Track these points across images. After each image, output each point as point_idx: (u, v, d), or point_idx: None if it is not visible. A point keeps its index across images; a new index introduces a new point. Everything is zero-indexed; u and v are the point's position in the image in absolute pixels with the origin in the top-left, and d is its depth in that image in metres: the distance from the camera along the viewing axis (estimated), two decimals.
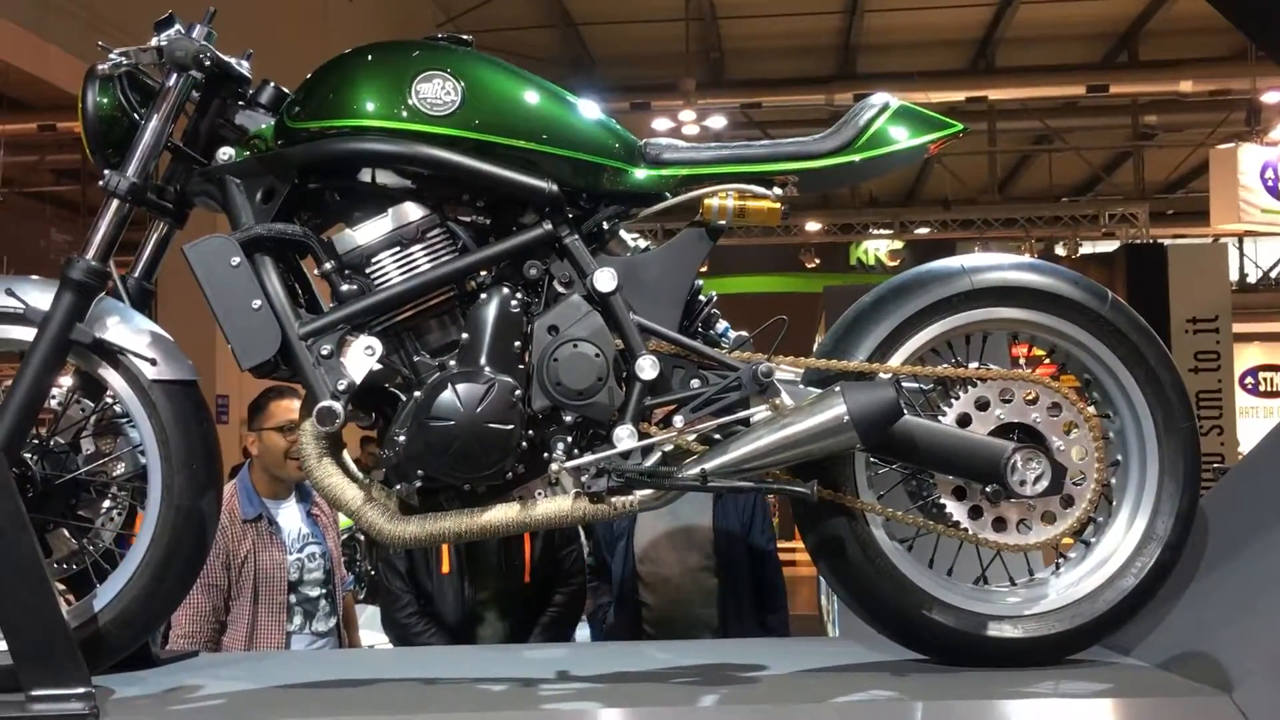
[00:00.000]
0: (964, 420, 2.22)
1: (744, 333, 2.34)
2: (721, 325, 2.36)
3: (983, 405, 2.22)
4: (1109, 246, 15.85)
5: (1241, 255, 19.31)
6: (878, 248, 18.28)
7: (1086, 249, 16.55)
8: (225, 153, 2.23)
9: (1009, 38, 14.64)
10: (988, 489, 2.17)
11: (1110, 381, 2.27)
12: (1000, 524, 2.21)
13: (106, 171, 2.18)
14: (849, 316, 2.31)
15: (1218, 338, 12.78)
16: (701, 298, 2.35)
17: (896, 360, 2.23)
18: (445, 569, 3.63)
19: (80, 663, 2.03)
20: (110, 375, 2.20)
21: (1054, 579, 2.29)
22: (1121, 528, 2.27)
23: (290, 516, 3.79)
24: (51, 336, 2.12)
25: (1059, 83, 14.39)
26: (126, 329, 2.20)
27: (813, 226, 16.61)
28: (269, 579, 3.61)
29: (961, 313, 2.25)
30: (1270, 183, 11.80)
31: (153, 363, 2.19)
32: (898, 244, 17.74)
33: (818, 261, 17.29)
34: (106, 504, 2.30)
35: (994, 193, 16.64)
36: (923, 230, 16.60)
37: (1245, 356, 17.15)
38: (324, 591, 3.75)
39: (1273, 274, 19.11)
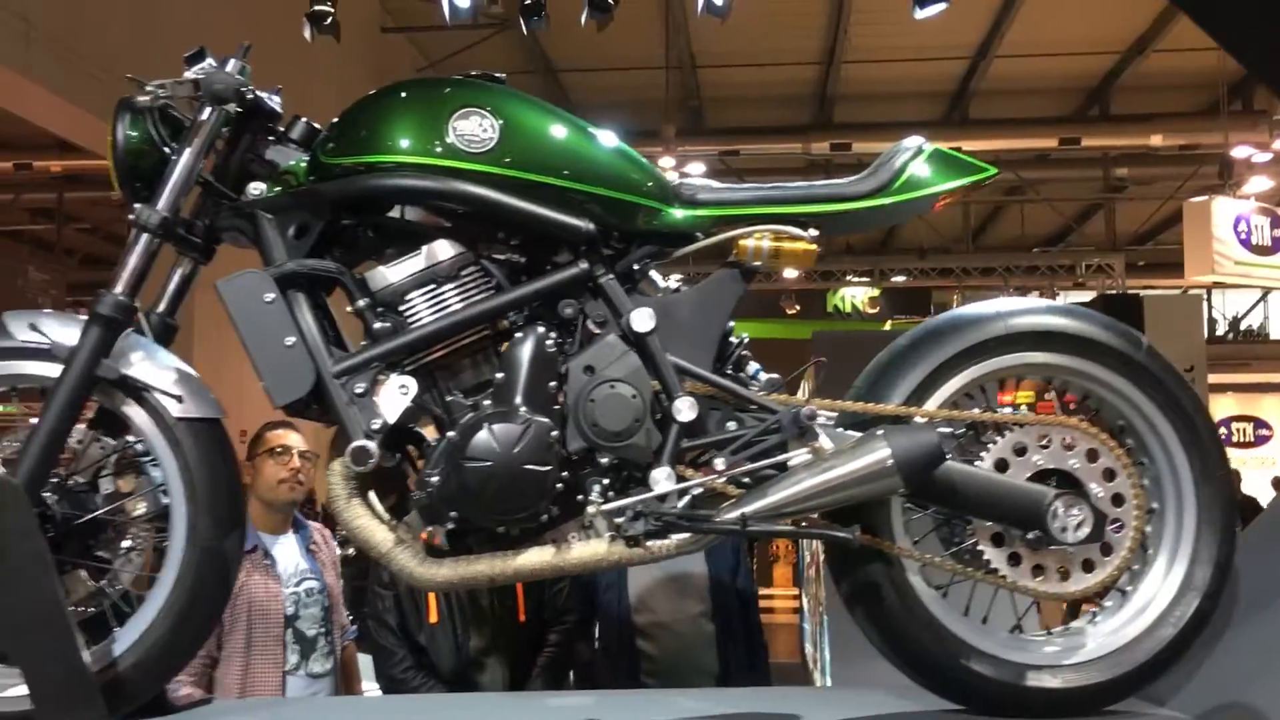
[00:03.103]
0: (1001, 465, 2.20)
1: (775, 375, 2.32)
2: (752, 367, 2.34)
3: (1020, 450, 2.20)
4: (1082, 296, 16.01)
5: (1209, 307, 19.55)
6: (854, 295, 18.40)
7: (1060, 300, 16.71)
8: (256, 188, 2.20)
9: (983, 90, 14.84)
10: (1029, 535, 2.15)
11: (1145, 428, 2.26)
12: (1039, 571, 2.19)
13: (136, 205, 2.14)
14: (883, 360, 2.29)
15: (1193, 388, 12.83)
16: (733, 339, 2.33)
17: (932, 404, 2.22)
18: (434, 619, 3.55)
19: (101, 709, 1.98)
20: (134, 412, 2.15)
21: (1091, 628, 2.26)
22: (1159, 576, 2.24)
23: (287, 550, 3.71)
24: (78, 372, 2.07)
25: (1032, 135, 14.60)
26: (152, 365, 2.16)
27: (790, 273, 16.69)
28: (263, 611, 3.52)
29: (997, 357, 2.24)
30: (1243, 235, 11.95)
31: (178, 400, 2.14)
32: (875, 291, 17.86)
33: (798, 308, 17.37)
34: (126, 544, 2.24)
35: (968, 242, 16.79)
36: (900, 278, 16.71)
37: (1219, 407, 17.31)
38: (322, 630, 3.66)
39: (1241, 325, 19.35)
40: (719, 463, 2.12)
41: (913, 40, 13.32)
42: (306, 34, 9.04)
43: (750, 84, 14.86)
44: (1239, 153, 13.03)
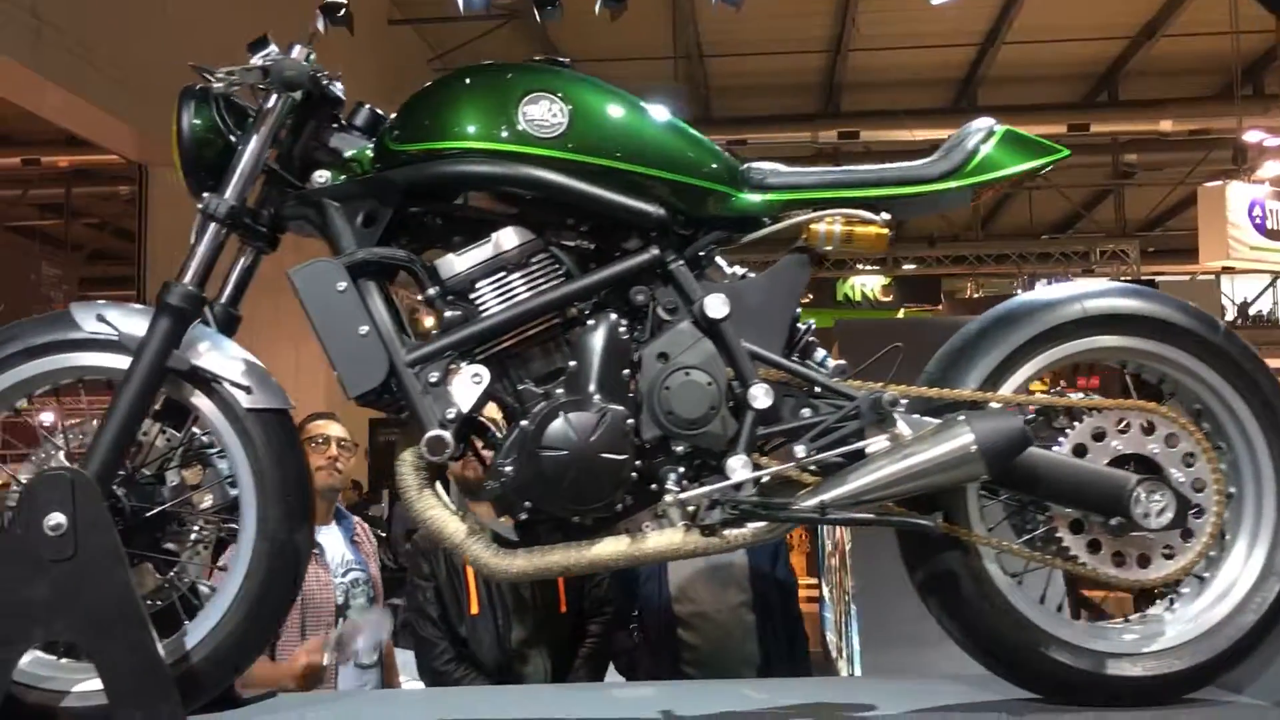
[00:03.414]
0: (1079, 451, 2.17)
1: (842, 361, 2.29)
2: (819, 354, 2.30)
3: (1099, 435, 2.17)
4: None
5: (1219, 294, 19.52)
6: (864, 283, 18.35)
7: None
8: (321, 176, 2.17)
9: (991, 77, 14.79)
10: (1111, 522, 2.12)
11: (1223, 412, 2.23)
12: (1119, 558, 2.16)
13: (205, 195, 2.11)
14: (955, 344, 2.26)
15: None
16: (800, 325, 2.29)
17: (1006, 389, 2.19)
18: (475, 610, 3.54)
19: (178, 705, 1.96)
20: (203, 403, 2.13)
21: (1169, 615, 2.24)
22: (1238, 562, 2.21)
23: (332, 541, 3.74)
24: (148, 364, 2.05)
25: (1040, 121, 14.45)
26: (220, 356, 2.13)
27: None
28: (315, 602, 3.52)
29: (1073, 341, 2.21)
30: (1258, 220, 11.90)
31: (248, 391, 2.12)
32: (886, 279, 17.82)
33: (810, 297, 17.29)
34: (192, 537, 2.21)
35: (977, 229, 16.74)
36: (910, 266, 16.66)
37: None
38: None
39: (1250, 310, 19.33)
40: (799, 450, 2.09)
41: (921, 27, 13.30)
42: (320, 25, 8.97)
43: (758, 72, 14.81)
44: (1249, 137, 12.99)
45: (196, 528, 2.21)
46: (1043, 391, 2.32)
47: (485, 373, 2.08)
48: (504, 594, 3.54)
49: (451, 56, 13.47)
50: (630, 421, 2.07)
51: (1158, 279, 14.65)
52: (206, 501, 2.22)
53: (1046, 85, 14.94)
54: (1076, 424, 2.18)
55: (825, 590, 8.33)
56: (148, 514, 2.13)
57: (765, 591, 3.83)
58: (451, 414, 2.05)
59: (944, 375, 2.21)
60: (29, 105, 9.08)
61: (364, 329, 2.06)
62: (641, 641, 3.87)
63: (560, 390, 2.10)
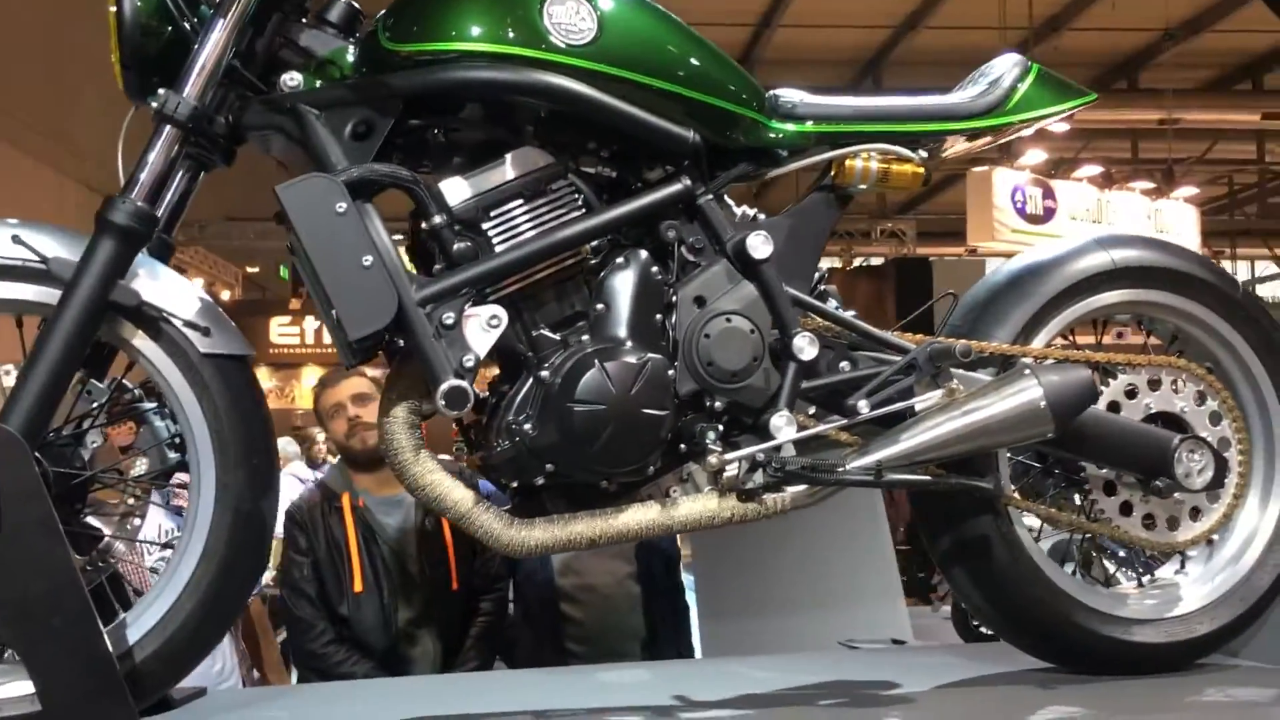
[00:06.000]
0: (1112, 409, 2.07)
1: (854, 311, 2.11)
2: (831, 303, 2.11)
3: (1131, 393, 2.08)
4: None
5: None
6: None
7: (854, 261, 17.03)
8: (293, 78, 1.82)
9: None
10: (1157, 482, 2.02)
11: (1237, 370, 2.17)
12: (1149, 521, 2.08)
13: (161, 92, 1.73)
14: (980, 296, 2.12)
15: None
16: (815, 274, 2.10)
17: (1038, 343, 2.06)
18: (359, 588, 3.23)
19: (131, 709, 1.60)
20: (148, 347, 1.75)
21: (1182, 579, 2.17)
22: (1250, 523, 2.17)
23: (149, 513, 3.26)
24: (87, 295, 1.66)
25: None
26: (170, 291, 1.76)
27: None
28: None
29: (1102, 294, 2.10)
30: (1019, 204, 12.50)
31: (204, 333, 1.76)
32: None
33: None
34: (121, 510, 1.84)
35: (750, 200, 16.94)
36: None
37: None
38: None
39: None
40: (863, 405, 1.89)
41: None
42: None
43: None
44: None
45: (128, 498, 1.83)
46: None
47: (503, 315, 1.79)
48: (391, 570, 3.23)
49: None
50: (671, 372, 1.83)
51: (933, 258, 15.19)
52: (140, 467, 1.85)
53: (819, 69, 15.17)
54: (1111, 381, 2.08)
55: None
56: (72, 482, 1.74)
57: (650, 562, 3.66)
58: (469, 361, 1.75)
59: (972, 328, 2.07)
60: None
61: (367, 259, 1.72)
62: (521, 618, 3.64)
63: (585, 337, 1.84)
